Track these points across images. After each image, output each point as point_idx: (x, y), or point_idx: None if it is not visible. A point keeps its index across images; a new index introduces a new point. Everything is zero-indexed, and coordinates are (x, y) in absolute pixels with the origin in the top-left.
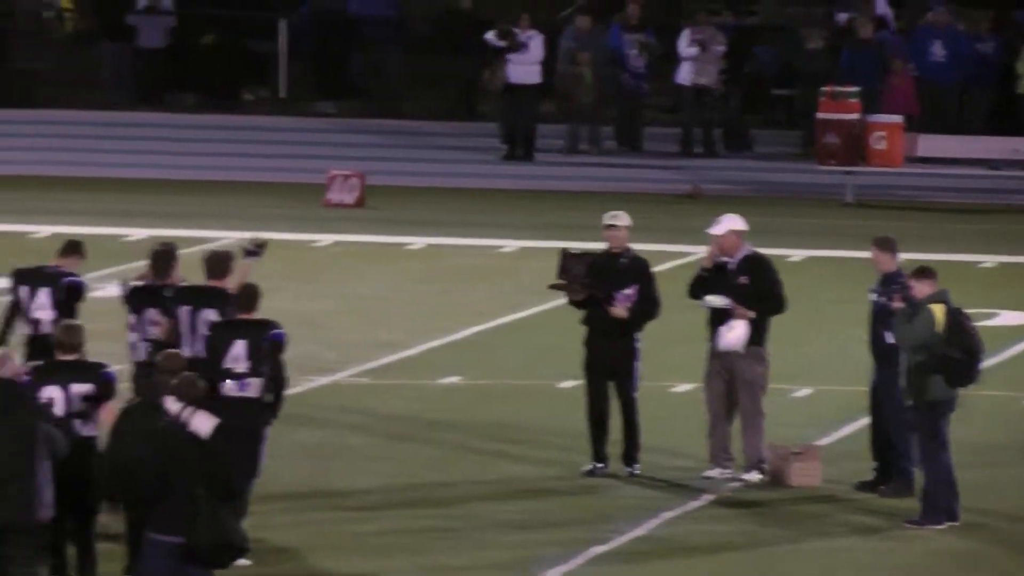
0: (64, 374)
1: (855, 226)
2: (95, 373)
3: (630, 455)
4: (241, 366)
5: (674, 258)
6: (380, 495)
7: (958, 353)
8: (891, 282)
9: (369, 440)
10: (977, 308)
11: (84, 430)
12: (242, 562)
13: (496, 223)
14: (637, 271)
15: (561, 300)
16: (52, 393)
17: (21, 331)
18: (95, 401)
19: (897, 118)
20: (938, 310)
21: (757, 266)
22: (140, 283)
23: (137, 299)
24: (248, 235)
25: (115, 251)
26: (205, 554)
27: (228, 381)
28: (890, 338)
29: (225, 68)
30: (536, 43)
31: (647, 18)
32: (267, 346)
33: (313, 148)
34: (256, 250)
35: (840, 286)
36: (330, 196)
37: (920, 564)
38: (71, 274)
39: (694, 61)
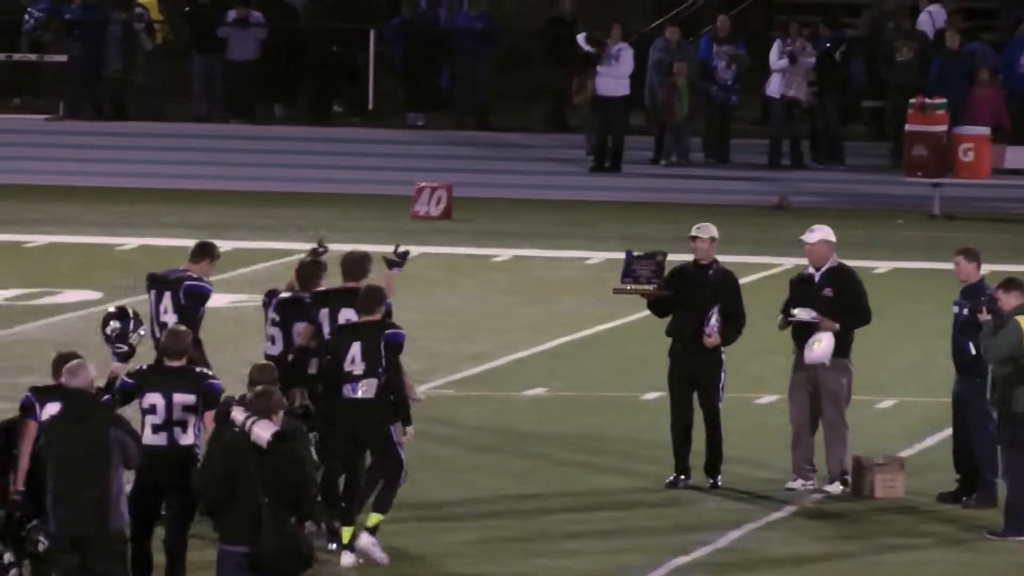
0: (168, 381)
1: (942, 238)
2: (199, 383)
3: (713, 466)
4: (358, 368)
5: (760, 270)
6: (467, 506)
7: None
8: (974, 293)
9: (456, 451)
10: None
11: (183, 439)
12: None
13: (583, 235)
14: (725, 284)
15: (645, 311)
16: (154, 400)
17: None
18: (195, 411)
19: (984, 130)
20: None
21: (842, 278)
22: (287, 294)
23: (286, 311)
24: (390, 247)
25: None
26: (269, 563)
27: (346, 384)
28: (972, 349)
29: (315, 80)
30: (626, 56)
31: (737, 30)
32: (383, 347)
33: (401, 160)
34: (398, 260)
35: (926, 298)
36: (417, 208)
37: None
38: (195, 278)
39: (784, 73)
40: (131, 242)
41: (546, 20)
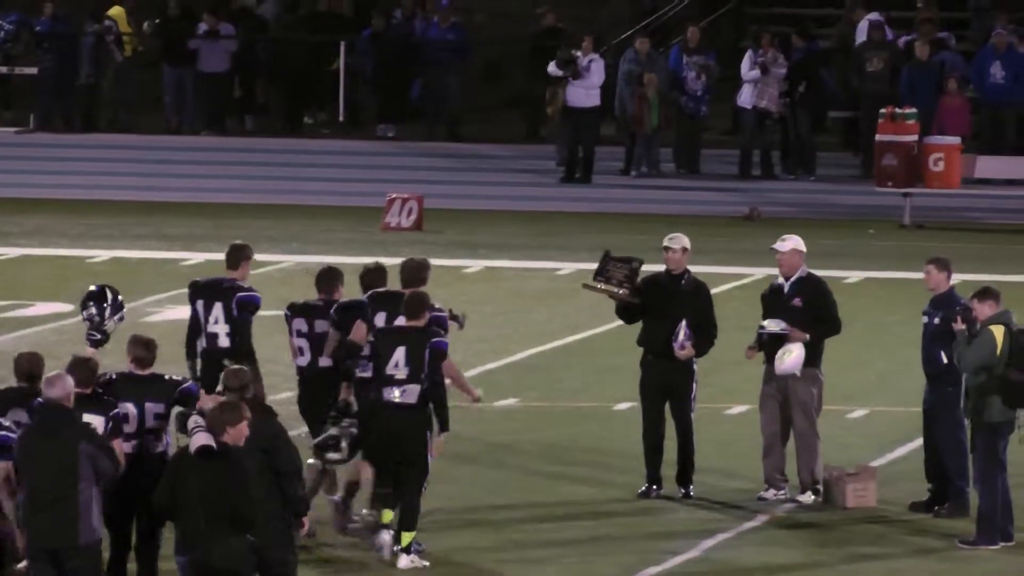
0: (139, 391)
1: (912, 247)
2: (171, 391)
3: (685, 476)
4: (400, 372)
5: (731, 280)
6: (439, 516)
7: (1017, 375)
8: (944, 303)
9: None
10: None
11: (154, 447)
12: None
13: (555, 245)
14: (697, 294)
15: (617, 321)
16: (127, 409)
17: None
18: (166, 419)
19: (954, 139)
20: (998, 332)
21: (812, 287)
22: (346, 300)
23: (343, 315)
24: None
25: (176, 275)
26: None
27: (388, 387)
28: (944, 358)
29: (286, 92)
30: (597, 67)
31: (708, 41)
32: (428, 354)
33: (372, 171)
34: (458, 319)
35: (897, 307)
36: (388, 219)
37: None
38: (245, 288)
39: (755, 84)
40: (102, 254)
41: (531, 33)
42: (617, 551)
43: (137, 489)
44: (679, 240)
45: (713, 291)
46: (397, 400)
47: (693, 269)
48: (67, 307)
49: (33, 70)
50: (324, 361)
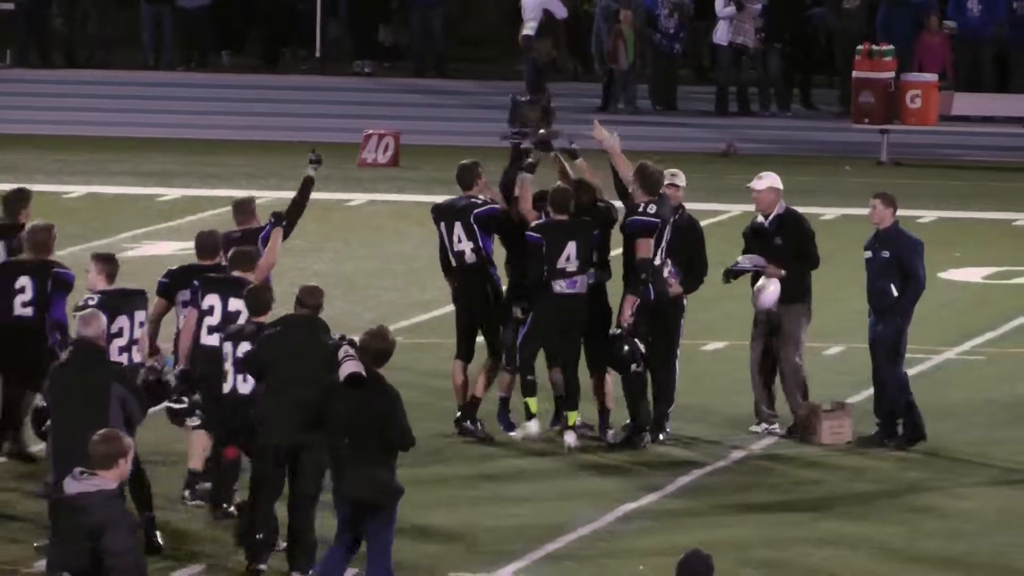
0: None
1: (889, 185)
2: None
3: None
4: (571, 265)
5: (708, 216)
6: (419, 455)
7: None
8: (888, 237)
9: (410, 396)
10: (1012, 266)
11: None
12: None
13: None
14: (689, 231)
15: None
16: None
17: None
18: None
19: (931, 77)
20: None
21: (790, 223)
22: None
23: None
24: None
25: (152, 211)
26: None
27: (560, 279)
28: (894, 291)
29: (264, 29)
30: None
31: None
32: (596, 245)
33: (349, 108)
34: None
35: None
36: (365, 155)
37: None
38: (480, 204)
39: (731, 20)
40: (78, 190)
41: None
42: (594, 488)
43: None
44: (680, 177)
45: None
46: (570, 292)
47: None
48: None
49: (9, 6)
50: None
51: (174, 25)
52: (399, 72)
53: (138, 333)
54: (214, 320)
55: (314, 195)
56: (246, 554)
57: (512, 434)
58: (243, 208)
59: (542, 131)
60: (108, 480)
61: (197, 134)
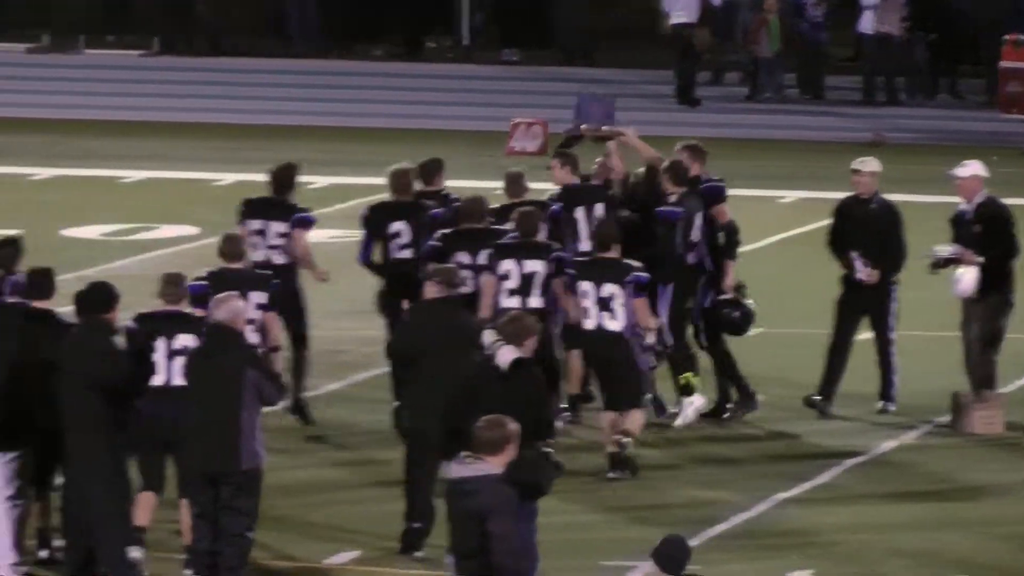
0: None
1: None
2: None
3: (885, 391)
4: (697, 235)
5: None
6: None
7: None
8: None
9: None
10: None
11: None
12: None
13: None
14: (886, 217)
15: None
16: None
17: None
18: None
19: None
20: None
21: (989, 211)
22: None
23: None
24: None
25: (300, 198)
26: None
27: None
28: None
29: (410, 16)
30: None
31: None
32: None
33: (495, 96)
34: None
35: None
36: (513, 144)
37: None
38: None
39: (876, 9)
40: (227, 178)
41: None
42: (745, 475)
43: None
44: (867, 164)
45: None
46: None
47: (818, 195)
48: (193, 230)
49: None
50: None
51: (320, 12)
52: (546, 60)
53: (255, 314)
54: (512, 284)
55: (464, 184)
56: (402, 540)
57: (677, 423)
58: (516, 179)
59: (605, 128)
60: (493, 465)
61: (344, 122)
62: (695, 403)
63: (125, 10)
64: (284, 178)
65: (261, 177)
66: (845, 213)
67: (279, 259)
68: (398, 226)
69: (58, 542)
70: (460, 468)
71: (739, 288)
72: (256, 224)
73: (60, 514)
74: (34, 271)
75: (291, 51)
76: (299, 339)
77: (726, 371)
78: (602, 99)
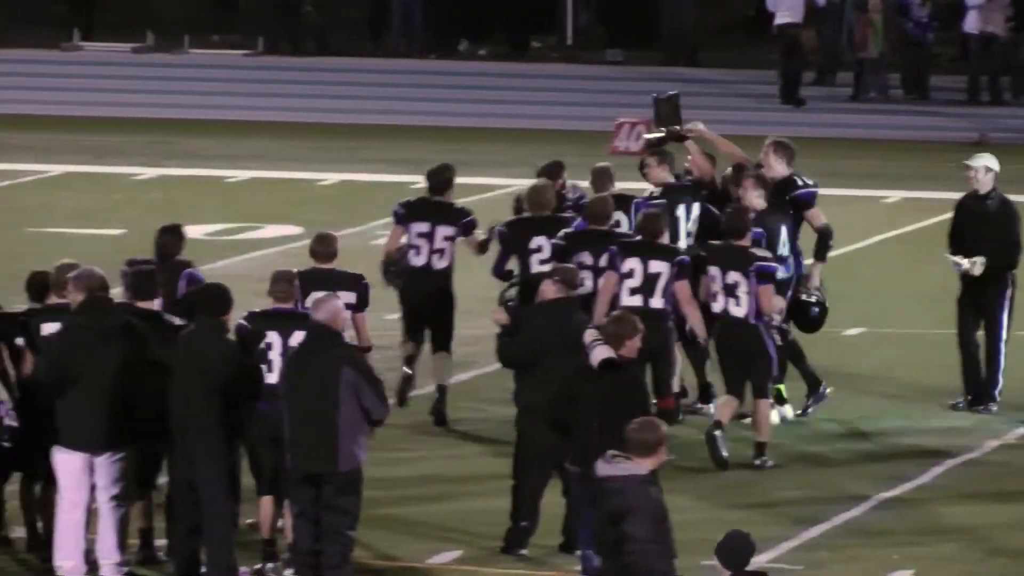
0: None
1: None
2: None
3: (987, 390)
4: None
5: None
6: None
7: None
8: None
9: None
10: None
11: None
12: None
13: None
14: (1003, 212)
15: (847, 247)
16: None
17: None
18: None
19: None
20: None
21: None
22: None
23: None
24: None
25: (404, 198)
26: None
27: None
28: None
29: (515, 17)
30: None
31: None
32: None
33: (599, 96)
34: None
35: None
36: (617, 144)
37: None
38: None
39: (980, 8)
40: (331, 177)
41: None
42: (847, 475)
43: None
44: (981, 159)
45: (943, 217)
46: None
47: (922, 195)
48: (297, 230)
49: None
50: None
51: (423, 13)
52: (649, 60)
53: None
54: (635, 282)
55: (569, 183)
56: (506, 539)
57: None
58: (603, 173)
59: (676, 128)
60: (641, 466)
61: (447, 122)
62: (783, 412)
63: (229, 10)
64: (442, 180)
65: (365, 177)
66: (962, 211)
67: (440, 263)
68: (539, 241)
69: (160, 542)
70: (607, 467)
71: (818, 289)
72: (422, 227)
73: (164, 514)
74: (138, 272)
75: (395, 51)
76: (446, 340)
77: (797, 363)
78: (668, 97)
